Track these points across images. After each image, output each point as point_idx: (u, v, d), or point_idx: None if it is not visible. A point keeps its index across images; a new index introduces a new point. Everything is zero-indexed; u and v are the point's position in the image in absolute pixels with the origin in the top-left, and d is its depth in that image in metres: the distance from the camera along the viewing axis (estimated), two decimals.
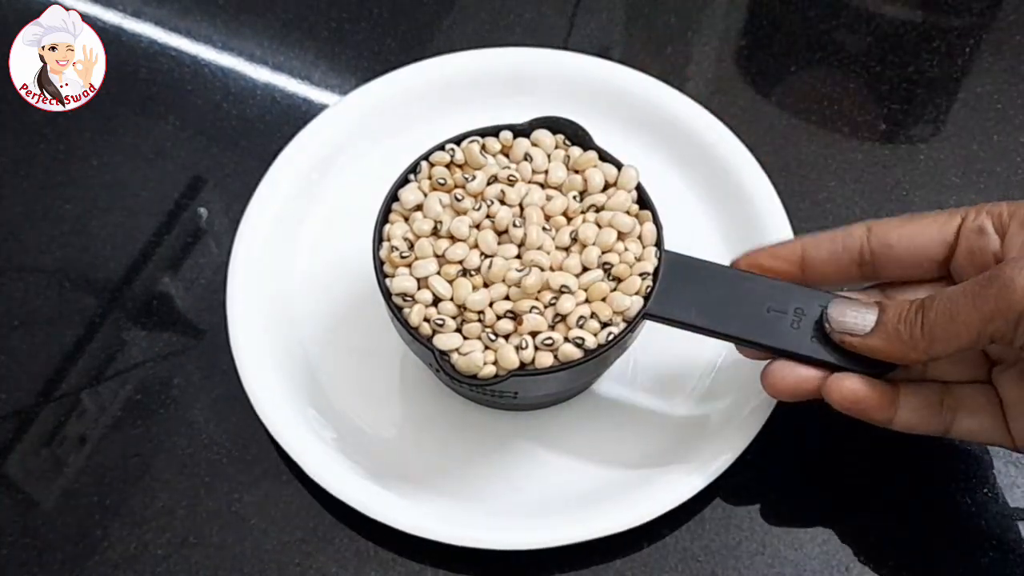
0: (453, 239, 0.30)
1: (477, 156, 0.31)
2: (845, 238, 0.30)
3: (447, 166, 0.31)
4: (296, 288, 0.36)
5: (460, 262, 0.29)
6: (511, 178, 0.31)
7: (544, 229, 0.30)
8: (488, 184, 0.31)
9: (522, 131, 0.32)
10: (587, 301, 0.29)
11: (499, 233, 0.30)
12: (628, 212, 0.30)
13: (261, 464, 0.33)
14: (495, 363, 0.28)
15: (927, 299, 0.27)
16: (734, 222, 0.37)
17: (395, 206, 0.31)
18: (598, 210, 0.31)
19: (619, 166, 0.31)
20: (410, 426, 0.34)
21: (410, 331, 0.29)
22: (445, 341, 0.29)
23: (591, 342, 0.29)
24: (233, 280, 0.35)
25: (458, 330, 0.29)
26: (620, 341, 0.29)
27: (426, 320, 0.29)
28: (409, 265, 0.29)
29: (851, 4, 0.44)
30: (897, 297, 0.30)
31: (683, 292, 0.30)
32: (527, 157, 0.31)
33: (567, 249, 0.30)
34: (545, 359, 0.29)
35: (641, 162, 0.31)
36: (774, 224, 0.36)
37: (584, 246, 0.30)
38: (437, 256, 0.30)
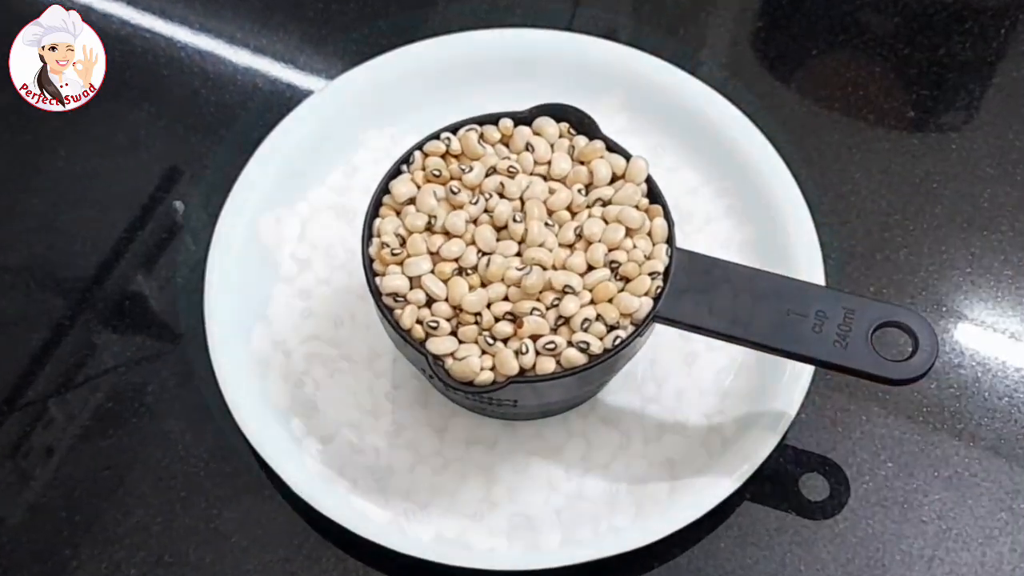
0: (448, 235, 0.29)
1: (475, 146, 0.31)
2: None
3: (442, 156, 0.31)
4: (279, 288, 0.36)
5: (456, 260, 0.29)
6: (511, 169, 0.30)
7: (546, 225, 0.30)
8: (486, 176, 0.30)
9: (523, 119, 0.32)
10: (592, 302, 0.29)
11: (498, 229, 0.30)
12: (637, 206, 0.30)
13: (242, 477, 0.33)
14: (493, 369, 0.28)
15: None
16: (751, 217, 0.36)
17: (386, 199, 0.30)
18: (605, 204, 0.30)
19: (627, 157, 0.31)
20: (401, 437, 0.34)
21: (401, 334, 0.29)
22: (439, 345, 0.28)
23: (596, 347, 0.28)
24: (211, 279, 0.35)
25: (453, 333, 0.29)
26: (628, 346, 0.29)
27: (419, 322, 0.29)
28: (401, 263, 0.29)
29: None
30: None
31: (696, 293, 0.30)
32: (528, 147, 0.31)
33: (571, 246, 0.29)
34: (547, 365, 0.28)
35: (651, 152, 0.32)
36: (794, 219, 0.35)
37: (589, 243, 0.29)
38: (431, 253, 0.29)
